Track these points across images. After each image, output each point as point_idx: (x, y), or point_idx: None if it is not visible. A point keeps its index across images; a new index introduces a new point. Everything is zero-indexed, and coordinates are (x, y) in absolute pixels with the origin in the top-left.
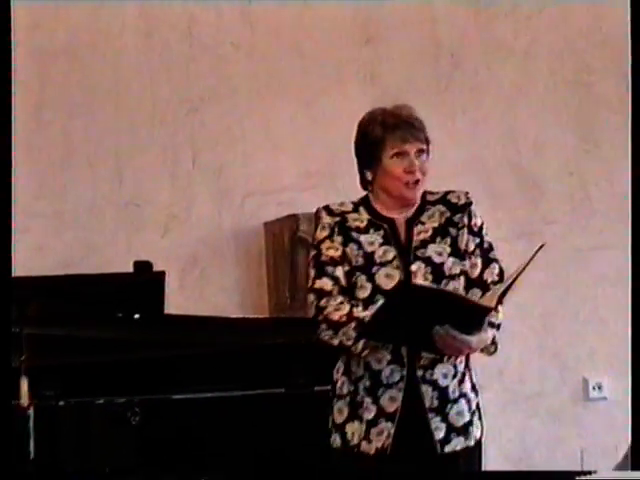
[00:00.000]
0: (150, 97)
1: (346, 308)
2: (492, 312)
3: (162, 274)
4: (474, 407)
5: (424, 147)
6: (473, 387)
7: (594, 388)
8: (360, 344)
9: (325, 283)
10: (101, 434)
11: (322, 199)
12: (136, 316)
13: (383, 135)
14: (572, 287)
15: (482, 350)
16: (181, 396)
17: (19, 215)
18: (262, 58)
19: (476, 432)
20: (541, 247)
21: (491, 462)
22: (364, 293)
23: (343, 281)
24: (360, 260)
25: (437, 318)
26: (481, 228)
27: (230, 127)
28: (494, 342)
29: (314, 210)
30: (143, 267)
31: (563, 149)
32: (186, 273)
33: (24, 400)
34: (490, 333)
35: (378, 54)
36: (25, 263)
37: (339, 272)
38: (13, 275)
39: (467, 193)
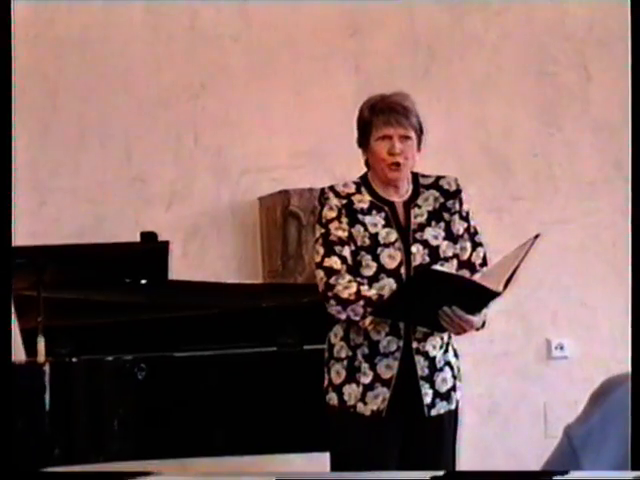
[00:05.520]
0: (156, 84)
1: (354, 287)
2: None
3: (166, 243)
4: (457, 371)
5: (408, 134)
6: (455, 353)
7: (556, 348)
8: (367, 320)
9: (334, 262)
10: (110, 388)
11: (311, 176)
12: (143, 281)
13: (371, 118)
14: (536, 257)
15: None
16: (183, 354)
17: (38, 190)
18: (257, 50)
19: (458, 395)
20: (537, 237)
21: (464, 416)
22: (369, 272)
23: (350, 260)
24: (366, 241)
25: (447, 300)
26: (468, 213)
27: (228, 111)
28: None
29: (304, 186)
30: (149, 237)
31: (529, 132)
32: (188, 243)
33: (41, 357)
34: (484, 311)
35: (362, 46)
36: (43, 233)
37: (346, 252)
38: (33, 244)
39: (456, 179)
